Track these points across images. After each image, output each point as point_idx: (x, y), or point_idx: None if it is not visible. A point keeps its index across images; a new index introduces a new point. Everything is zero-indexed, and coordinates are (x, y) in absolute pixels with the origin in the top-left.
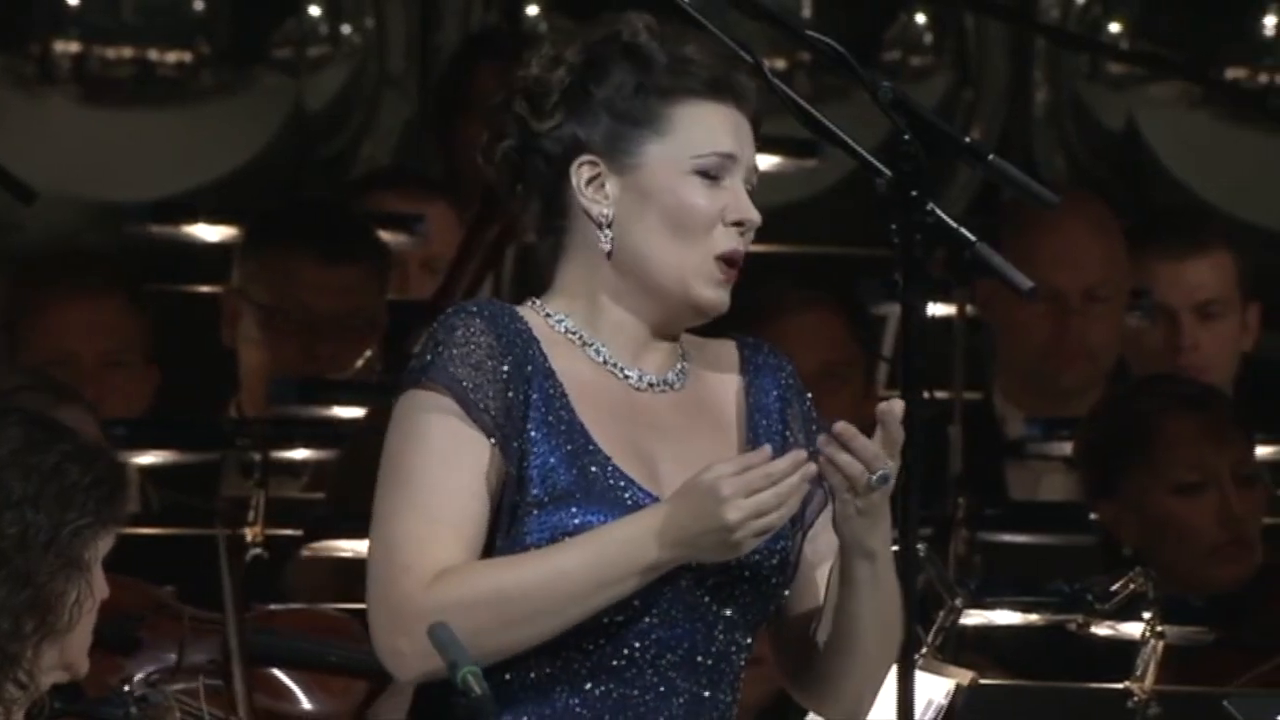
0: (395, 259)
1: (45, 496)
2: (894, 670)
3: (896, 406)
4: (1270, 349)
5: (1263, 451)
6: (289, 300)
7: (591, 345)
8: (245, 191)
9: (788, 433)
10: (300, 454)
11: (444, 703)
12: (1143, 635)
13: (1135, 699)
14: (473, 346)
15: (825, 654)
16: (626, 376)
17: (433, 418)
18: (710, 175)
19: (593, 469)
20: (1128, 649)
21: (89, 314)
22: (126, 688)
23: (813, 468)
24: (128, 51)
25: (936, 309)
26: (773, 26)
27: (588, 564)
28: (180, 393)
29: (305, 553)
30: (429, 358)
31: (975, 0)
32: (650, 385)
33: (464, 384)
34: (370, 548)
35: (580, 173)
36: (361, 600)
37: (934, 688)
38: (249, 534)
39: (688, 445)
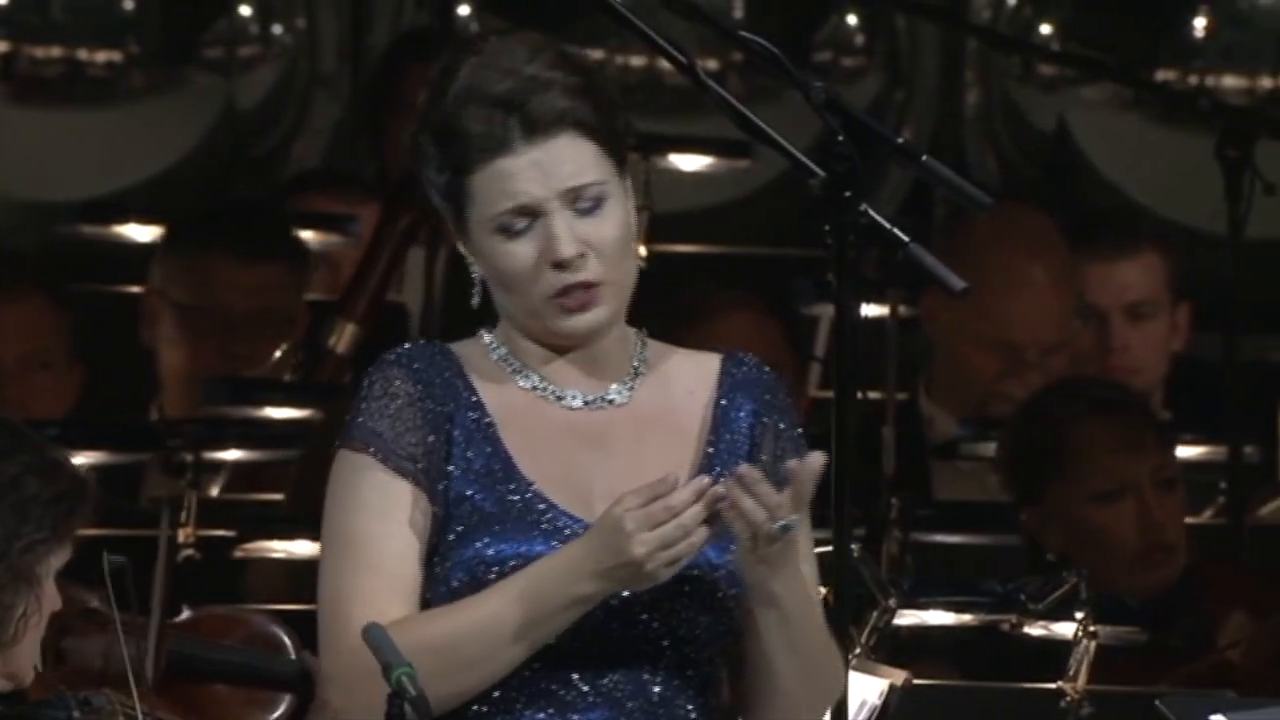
0: (328, 260)
1: (2, 508)
2: None
3: (814, 462)
4: (1200, 349)
5: (1193, 451)
6: (207, 300)
7: (521, 372)
8: (176, 191)
9: (758, 451)
10: (231, 454)
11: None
12: (1075, 635)
13: (1068, 699)
14: (389, 398)
15: (749, 693)
16: (559, 399)
17: (360, 476)
18: (513, 230)
19: (511, 497)
20: (1061, 649)
21: (9, 315)
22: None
23: (720, 491)
24: (57, 51)
25: (869, 309)
26: (705, 27)
27: (515, 604)
28: (112, 393)
29: (238, 553)
30: (353, 416)
31: (906, 1)
32: (587, 404)
33: (384, 436)
34: (318, 606)
35: (453, 237)
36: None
37: (868, 688)
38: (181, 535)
39: (633, 461)
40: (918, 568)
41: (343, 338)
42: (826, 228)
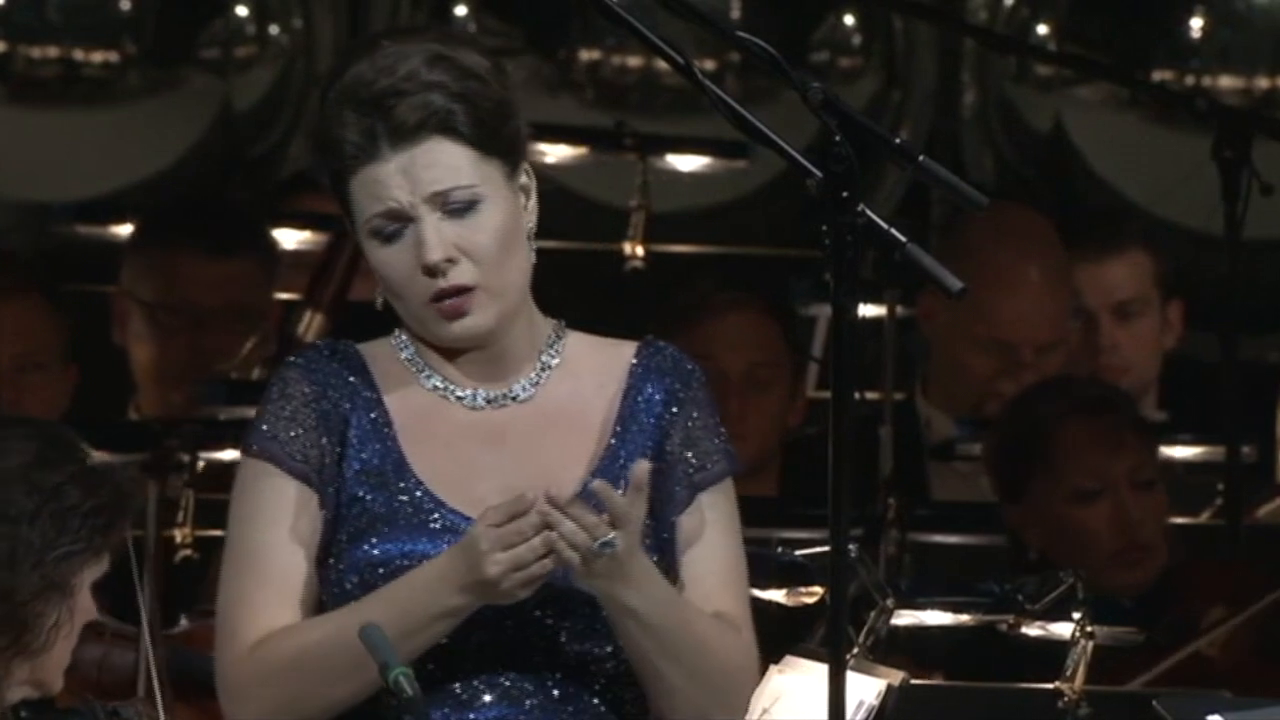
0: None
1: (41, 516)
2: (825, 670)
3: (637, 472)
4: (1198, 349)
5: (1190, 452)
6: (173, 297)
7: (424, 371)
8: (173, 192)
9: (666, 442)
10: (228, 455)
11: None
12: (1073, 636)
13: (1065, 699)
14: (285, 400)
15: (647, 693)
16: (460, 399)
17: (256, 483)
18: (385, 235)
19: (401, 498)
20: (1058, 649)
21: (4, 315)
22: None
23: (564, 524)
24: (53, 51)
25: (867, 310)
26: (702, 27)
27: (388, 615)
28: (107, 394)
29: None
30: (254, 421)
31: (903, 2)
32: (488, 402)
33: (279, 440)
34: (216, 613)
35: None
36: None
37: (865, 688)
38: (178, 535)
39: (530, 457)
40: (915, 568)
41: (311, 327)
42: (824, 228)
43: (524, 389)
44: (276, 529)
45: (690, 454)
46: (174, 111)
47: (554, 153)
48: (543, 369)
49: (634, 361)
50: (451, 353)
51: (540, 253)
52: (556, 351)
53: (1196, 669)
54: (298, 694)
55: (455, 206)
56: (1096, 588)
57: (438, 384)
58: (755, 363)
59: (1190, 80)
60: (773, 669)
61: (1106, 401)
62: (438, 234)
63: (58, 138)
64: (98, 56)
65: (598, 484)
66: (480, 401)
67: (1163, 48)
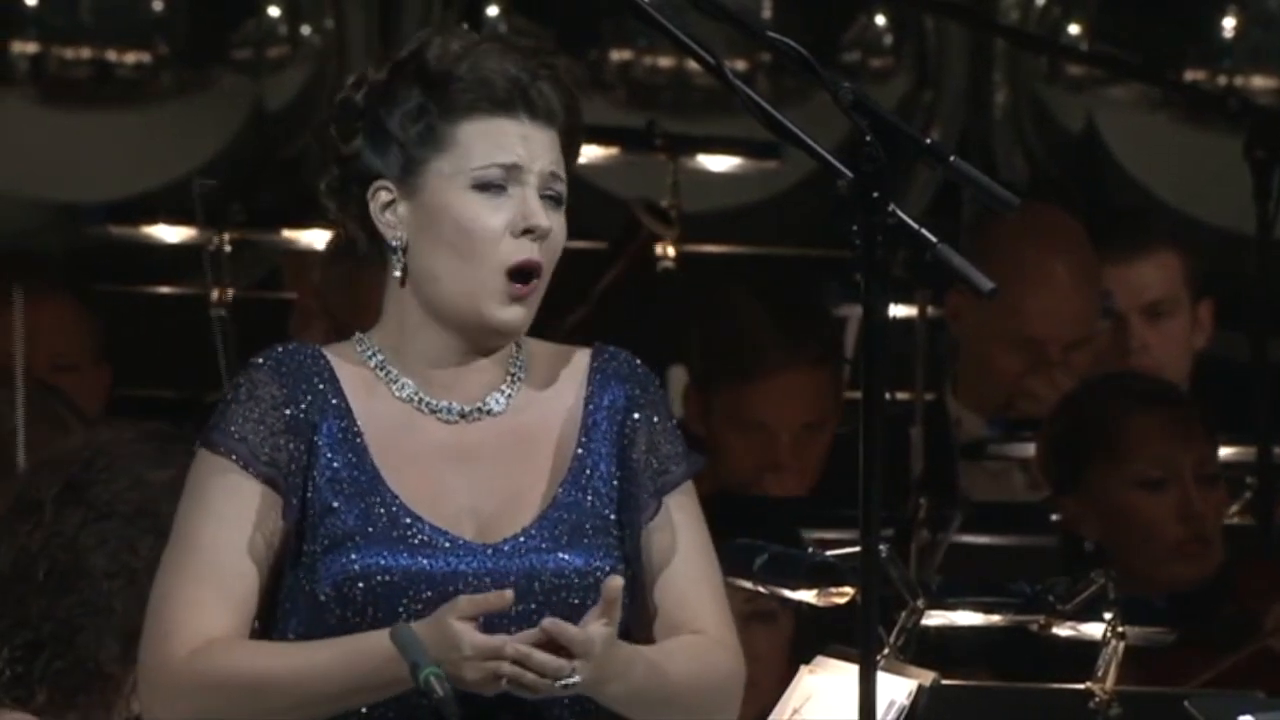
0: None
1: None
2: (856, 671)
3: (610, 586)
4: (1229, 349)
5: (1222, 451)
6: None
7: (397, 381)
8: (205, 193)
9: (631, 449)
10: None
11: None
12: (1104, 636)
13: (1096, 699)
14: (254, 401)
15: None
16: (435, 411)
17: (215, 479)
18: (492, 187)
19: (379, 510)
20: (1089, 650)
21: (38, 316)
22: None
23: (555, 629)
24: (86, 52)
25: (898, 310)
26: (733, 28)
27: (342, 670)
28: (140, 394)
29: None
30: (216, 418)
31: (935, 2)
32: (463, 415)
33: (246, 440)
34: (149, 603)
35: (377, 198)
36: None
37: (896, 688)
38: None
39: (502, 472)
40: (946, 568)
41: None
42: (854, 228)
43: (498, 403)
44: (231, 532)
45: (654, 459)
46: (206, 112)
47: (585, 153)
48: (513, 380)
49: (591, 368)
50: (435, 358)
51: (572, 252)
52: (520, 362)
53: (1262, 664)
54: (237, 715)
55: (552, 195)
56: (1154, 579)
57: (412, 394)
58: (808, 424)
59: (1222, 80)
60: (803, 669)
61: (1170, 394)
62: (541, 206)
63: (90, 138)
64: (130, 57)
65: (550, 624)
66: (455, 415)
67: (1194, 48)
